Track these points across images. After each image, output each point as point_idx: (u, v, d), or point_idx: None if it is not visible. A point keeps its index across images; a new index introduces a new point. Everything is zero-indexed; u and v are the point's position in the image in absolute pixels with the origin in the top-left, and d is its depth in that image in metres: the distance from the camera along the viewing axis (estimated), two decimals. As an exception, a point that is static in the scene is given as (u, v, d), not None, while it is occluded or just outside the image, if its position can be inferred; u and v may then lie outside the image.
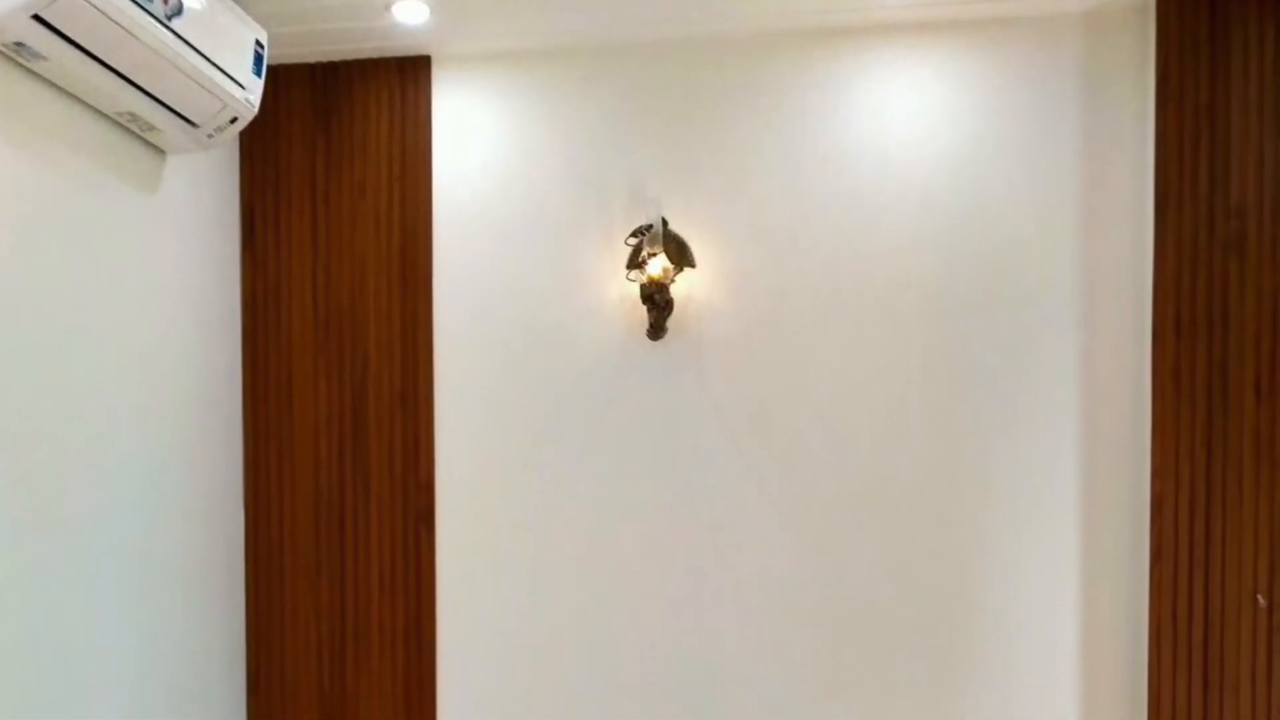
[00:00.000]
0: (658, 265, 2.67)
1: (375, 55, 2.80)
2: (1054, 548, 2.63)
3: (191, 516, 2.65)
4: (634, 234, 2.72)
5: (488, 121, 2.80)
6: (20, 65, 2.03)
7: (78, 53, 2.01)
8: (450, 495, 2.79)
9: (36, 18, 1.89)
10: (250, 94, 2.40)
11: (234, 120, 2.43)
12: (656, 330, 2.71)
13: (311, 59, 2.82)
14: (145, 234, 2.47)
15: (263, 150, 2.82)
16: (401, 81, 2.78)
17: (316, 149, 2.80)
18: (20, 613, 2.08)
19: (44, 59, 2.01)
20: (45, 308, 2.13)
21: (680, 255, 2.70)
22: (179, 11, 2.15)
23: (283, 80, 2.83)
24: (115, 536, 2.39)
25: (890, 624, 2.69)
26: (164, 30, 2.10)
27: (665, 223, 2.70)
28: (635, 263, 2.70)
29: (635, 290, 2.73)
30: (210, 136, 2.46)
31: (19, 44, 1.94)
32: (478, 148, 2.80)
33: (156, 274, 2.51)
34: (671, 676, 2.74)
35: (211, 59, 2.26)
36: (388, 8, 2.58)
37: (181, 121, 2.37)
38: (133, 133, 2.40)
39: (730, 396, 2.72)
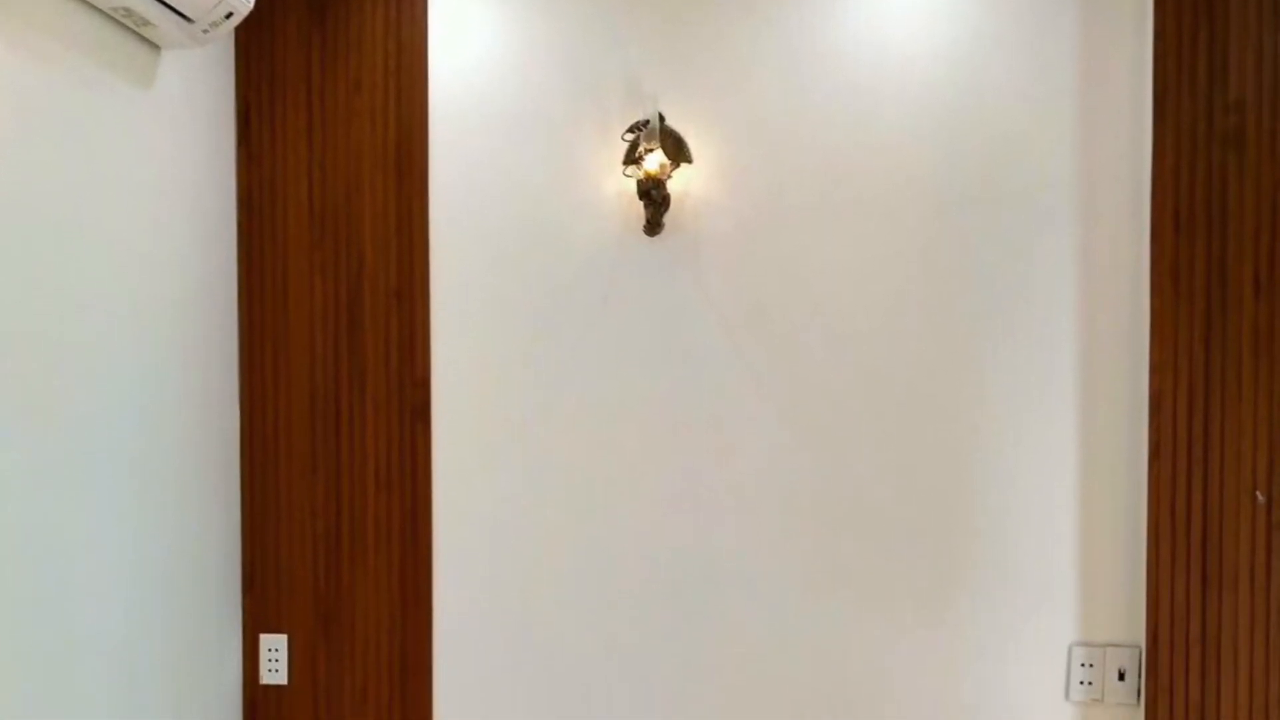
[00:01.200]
0: (654, 161, 2.65)
1: (371, -50, 2.79)
2: (1052, 445, 2.62)
3: (187, 414, 2.65)
4: (630, 129, 2.70)
5: (484, 16, 2.78)
6: (12, -42, 2.02)
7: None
8: (446, 391, 2.78)
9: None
10: (245, -12, 2.39)
11: (229, 15, 2.42)
12: (653, 226, 2.69)
13: (307, -46, 2.81)
14: (140, 131, 2.46)
15: (258, 46, 2.81)
16: (397, -24, 2.77)
17: (312, 44, 2.78)
18: (16, 512, 2.08)
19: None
20: (40, 205, 2.12)
21: (677, 151, 2.69)
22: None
23: (277, -25, 2.82)
24: (111, 435, 2.38)
25: (888, 521, 2.68)
26: (158, -82, 2.09)
27: (662, 118, 2.68)
28: (632, 158, 2.69)
29: (632, 186, 2.71)
30: (205, 32, 2.44)
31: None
32: (474, 43, 2.78)
33: (152, 171, 2.50)
34: (668, 572, 2.74)
35: (207, -48, 2.25)
36: (381, -103, 2.57)
37: (176, 17, 2.35)
38: (127, 28, 2.39)
39: (727, 292, 2.71)
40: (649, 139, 2.65)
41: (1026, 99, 2.61)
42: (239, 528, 2.84)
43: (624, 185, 2.73)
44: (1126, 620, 2.61)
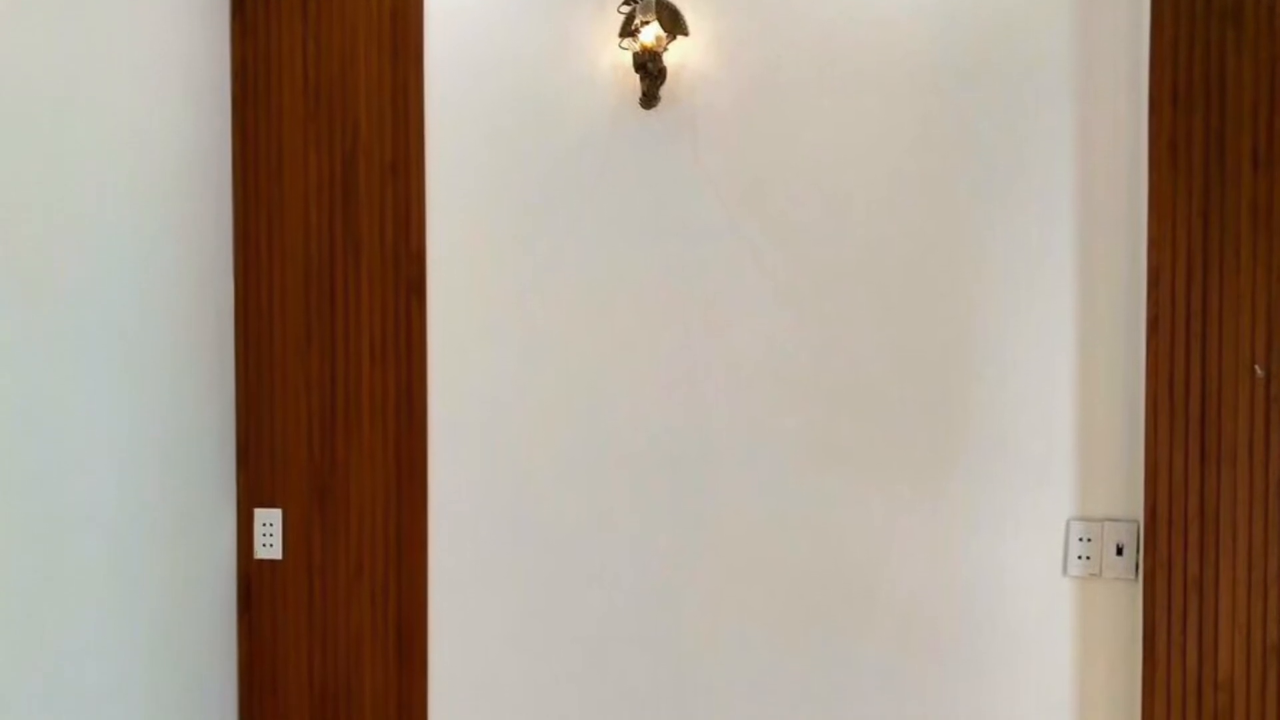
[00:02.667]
0: (650, 33, 2.64)
1: None
2: (1050, 320, 2.60)
3: (181, 287, 2.65)
4: (626, 1, 2.69)
5: (479, -112, 2.78)
6: None
7: None
8: (441, 266, 2.77)
9: None
10: None
11: (223, -116, 2.42)
12: (649, 99, 2.68)
13: None
14: (134, 3, 2.45)
15: (252, -81, 2.81)
16: None
17: (305, -85, 2.78)
18: (9, 385, 2.08)
19: None
20: (33, 78, 2.12)
21: (673, 23, 2.67)
22: None
23: None
24: (105, 308, 2.38)
25: (885, 397, 2.67)
26: None
27: (658, -11, 2.68)
28: (628, 30, 2.68)
29: (628, 59, 2.70)
30: (199, -99, 2.44)
31: None
32: (469, -84, 2.78)
33: (146, 44, 2.50)
34: (664, 448, 2.73)
35: None
36: None
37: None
38: (121, -101, 2.39)
39: (723, 167, 2.70)
40: (645, 11, 2.64)
41: (1025, -29, 2.60)
42: (233, 401, 2.83)
43: (620, 58, 2.72)
44: (1125, 495, 2.60)
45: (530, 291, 2.76)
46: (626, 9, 2.68)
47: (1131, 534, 2.59)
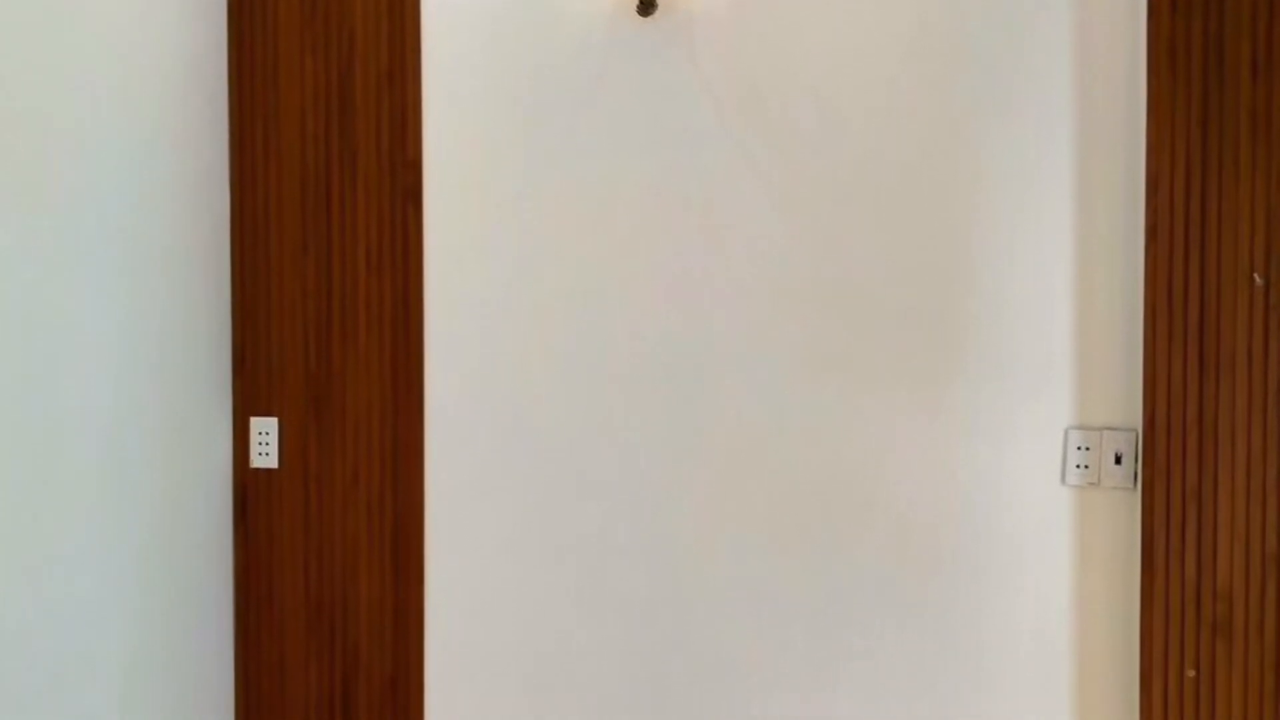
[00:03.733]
0: (648, -61, 2.64)
1: None
2: (1048, 227, 2.59)
3: (178, 196, 2.64)
4: (624, -94, 2.69)
5: None
6: None
7: None
8: (437, 174, 2.77)
9: None
10: None
11: None
12: (647, 6, 2.67)
13: None
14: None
15: None
16: None
17: None
18: (5, 292, 2.07)
19: None
20: None
21: (671, -71, 2.67)
22: None
23: None
24: (101, 214, 2.38)
25: (883, 304, 2.66)
26: None
27: (656, -109, 2.67)
28: (625, -64, 2.67)
29: (625, -35, 2.70)
30: None
31: None
32: None
33: (140, -51, 2.49)
34: (660, 356, 2.73)
35: None
36: None
37: None
38: None
39: (720, 74, 2.68)
40: (643, -84, 2.63)
41: (1023, -127, 2.59)
42: (229, 309, 2.83)
43: (618, -36, 2.71)
44: (1123, 404, 2.58)
45: (527, 199, 2.75)
46: (624, -85, 2.68)
47: (1130, 443, 2.59)
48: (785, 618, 2.71)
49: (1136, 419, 2.56)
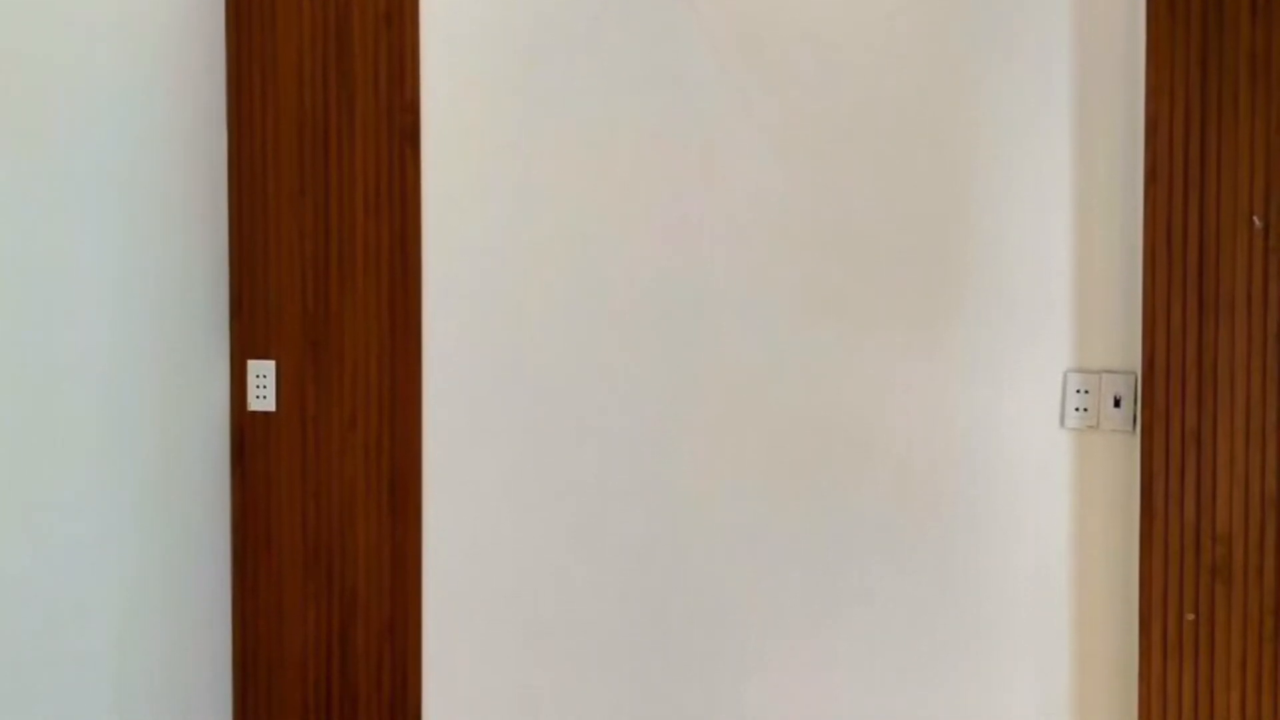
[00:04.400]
0: (645, -121, 2.63)
1: None
2: (1047, 169, 2.58)
3: (175, 138, 2.64)
4: None
5: None
6: None
7: None
8: (435, 116, 2.76)
9: None
10: None
11: None
12: (644, -52, 2.68)
13: None
14: None
15: None
16: None
17: None
18: (1, 235, 2.07)
19: None
20: None
21: None
22: None
23: None
24: (96, 155, 2.38)
25: (881, 247, 2.65)
26: None
27: None
28: (623, -122, 2.67)
29: (623, -94, 2.69)
30: None
31: None
32: None
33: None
34: (658, 298, 2.72)
35: None
36: None
37: None
38: None
39: (719, 16, 2.68)
40: None
41: None
42: (226, 252, 2.82)
43: (612, -95, 2.71)
44: (1122, 347, 2.58)
45: (524, 142, 2.75)
46: None
47: (1129, 386, 2.58)
48: (783, 560, 2.70)
49: (1136, 362, 2.55)
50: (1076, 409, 2.61)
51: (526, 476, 2.77)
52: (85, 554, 2.32)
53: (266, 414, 2.82)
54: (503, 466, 2.78)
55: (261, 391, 2.80)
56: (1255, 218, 2.50)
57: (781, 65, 2.67)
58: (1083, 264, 2.59)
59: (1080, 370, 2.60)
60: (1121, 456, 2.59)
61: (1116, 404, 2.60)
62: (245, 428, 2.82)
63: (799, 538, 2.70)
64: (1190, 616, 2.53)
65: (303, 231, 2.78)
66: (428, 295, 2.77)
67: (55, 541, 2.23)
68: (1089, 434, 2.61)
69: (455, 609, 2.81)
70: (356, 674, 2.82)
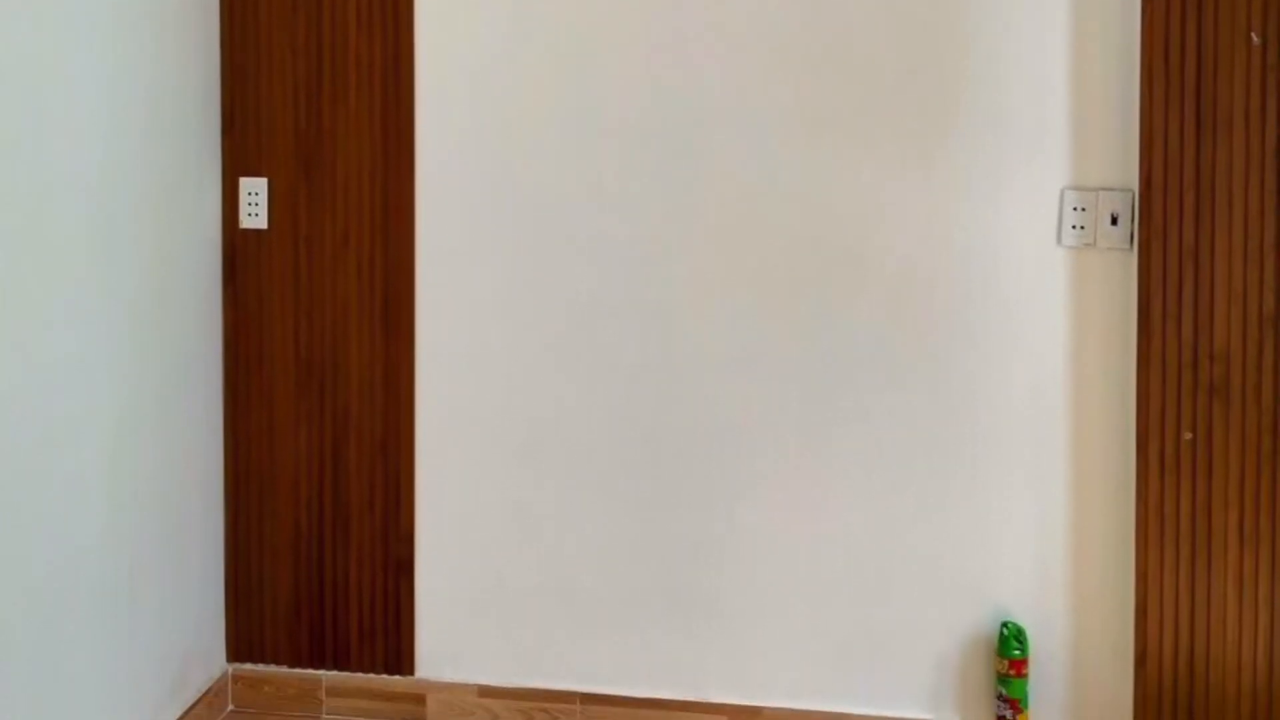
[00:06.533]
0: None
1: None
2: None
3: None
4: None
5: None
6: None
7: None
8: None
9: None
10: None
11: None
12: None
13: None
14: None
15: None
16: None
17: None
18: None
19: None
20: None
21: None
22: None
23: None
24: None
25: (878, 62, 2.63)
26: None
27: None
28: None
29: None
30: None
31: None
32: None
33: None
34: (654, 113, 2.69)
35: None
36: None
37: None
38: None
39: None
40: None
41: None
42: (218, 68, 2.79)
43: None
44: (1120, 164, 2.56)
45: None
46: None
47: (1126, 203, 2.56)
48: (778, 377, 2.69)
49: (1133, 179, 2.54)
50: (1073, 226, 2.59)
51: (520, 294, 2.75)
52: (77, 372, 2.29)
53: (258, 231, 2.79)
54: (496, 284, 2.75)
55: (253, 209, 2.78)
56: (1254, 34, 2.48)
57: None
58: (1080, 81, 2.57)
59: (1077, 188, 2.58)
60: (1119, 274, 2.58)
61: (1114, 222, 2.58)
62: (237, 245, 2.80)
63: (794, 355, 2.68)
64: (1188, 435, 2.51)
65: (295, 48, 2.75)
66: (421, 113, 2.74)
67: (47, 359, 2.20)
68: (1086, 252, 2.60)
69: (448, 427, 2.78)
70: (349, 492, 2.80)
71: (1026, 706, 2.59)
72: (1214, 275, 2.49)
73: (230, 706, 2.88)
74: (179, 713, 2.68)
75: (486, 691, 2.82)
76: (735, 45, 2.67)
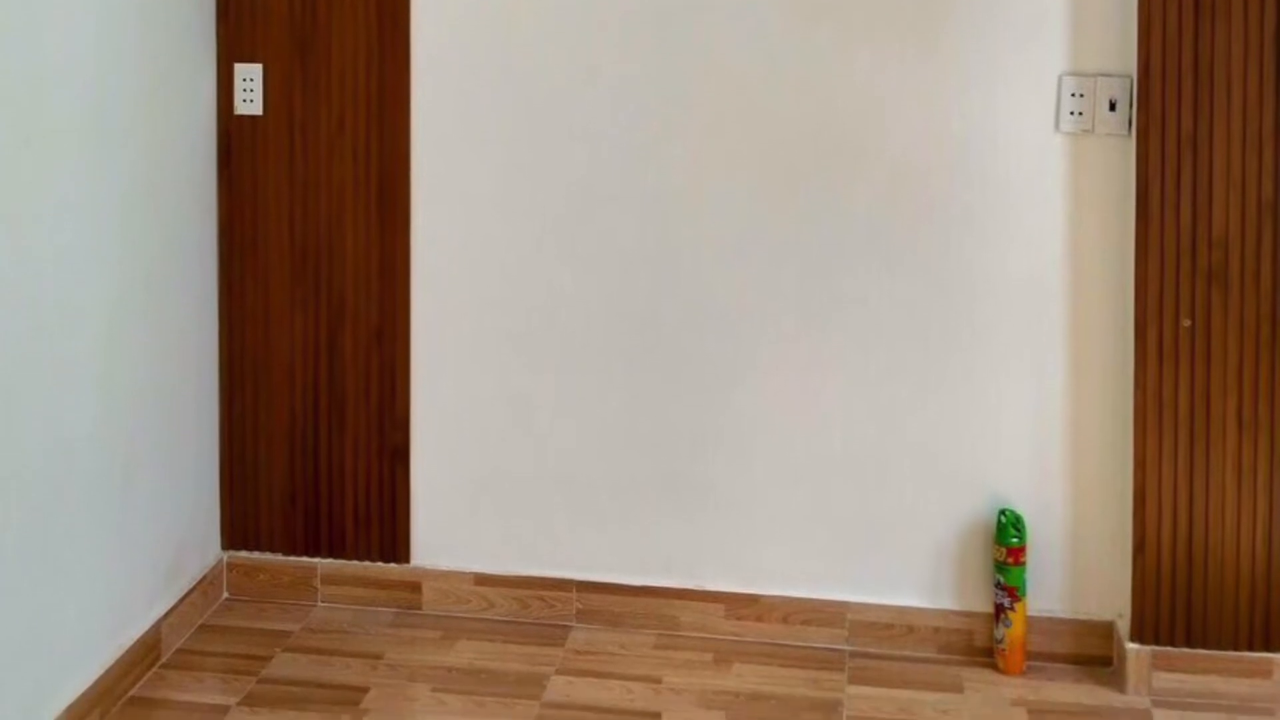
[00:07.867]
0: None
1: None
2: None
3: None
4: None
5: None
6: None
7: None
8: None
9: None
10: None
11: None
12: None
13: None
14: None
15: None
16: None
17: None
18: None
19: None
20: None
21: None
22: None
23: None
24: None
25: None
26: None
27: None
28: None
29: None
30: None
31: None
32: None
33: None
34: (650, 2, 2.68)
35: None
36: None
37: None
38: None
39: None
40: None
41: None
42: (213, -45, 2.79)
43: None
44: (1118, 50, 2.56)
45: None
46: None
47: (1125, 89, 2.56)
48: (776, 263, 2.68)
49: (1131, 65, 2.52)
50: (1071, 113, 2.59)
51: (515, 181, 2.74)
52: (71, 259, 2.28)
53: (253, 118, 2.77)
54: (492, 171, 2.75)
55: (248, 95, 2.76)
56: (1254, -82, 2.47)
57: None
58: (1077, -32, 2.56)
59: (1075, 74, 2.58)
60: (1117, 160, 2.57)
61: (1112, 107, 2.57)
62: (232, 131, 2.78)
63: (791, 241, 2.67)
64: (1187, 323, 2.51)
65: (290, -68, 2.74)
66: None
67: (39, 247, 2.18)
68: (1084, 138, 2.59)
69: (444, 315, 2.78)
70: (344, 380, 2.79)
71: (1024, 594, 2.58)
72: (1213, 161, 2.48)
73: (225, 594, 2.88)
74: (173, 601, 2.68)
75: (482, 579, 2.82)
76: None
